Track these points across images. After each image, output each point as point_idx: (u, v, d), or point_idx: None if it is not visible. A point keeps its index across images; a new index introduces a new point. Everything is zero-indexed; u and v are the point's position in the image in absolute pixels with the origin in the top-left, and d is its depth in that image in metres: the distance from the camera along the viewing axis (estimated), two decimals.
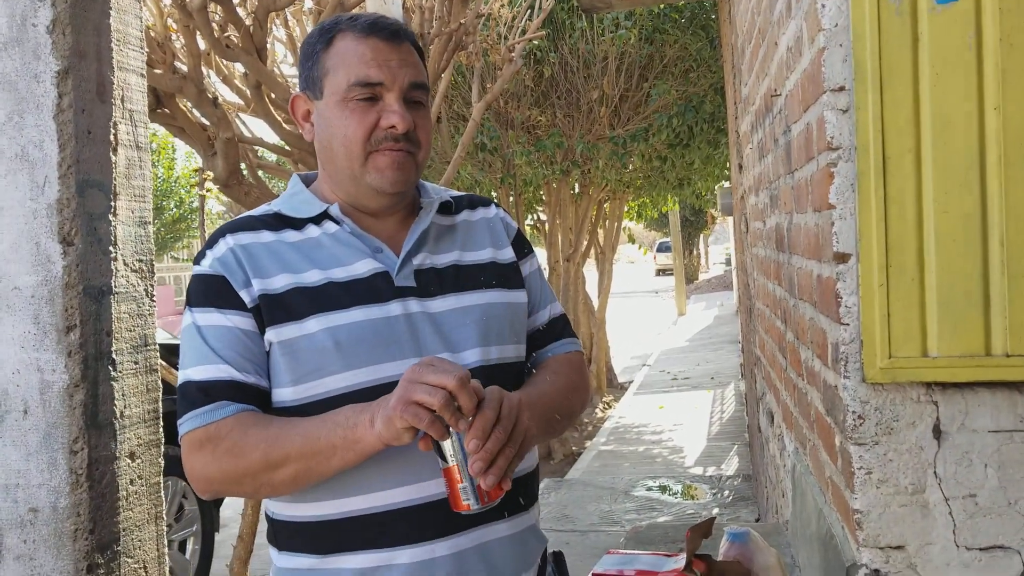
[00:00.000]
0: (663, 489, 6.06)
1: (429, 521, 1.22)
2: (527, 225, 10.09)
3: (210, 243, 1.32)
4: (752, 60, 3.18)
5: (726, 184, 9.53)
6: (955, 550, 1.52)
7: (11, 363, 1.92)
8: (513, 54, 5.42)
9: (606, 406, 10.59)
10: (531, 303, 1.45)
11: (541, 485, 6.04)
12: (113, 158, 2.05)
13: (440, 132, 6.98)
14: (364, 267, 1.29)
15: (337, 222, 1.31)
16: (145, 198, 2.17)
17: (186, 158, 26.91)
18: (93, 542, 1.94)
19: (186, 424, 1.23)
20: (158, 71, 3.49)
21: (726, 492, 5.86)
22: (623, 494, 5.97)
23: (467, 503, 1.08)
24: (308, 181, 1.43)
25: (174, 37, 3.73)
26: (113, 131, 2.06)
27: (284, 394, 1.25)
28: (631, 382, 11.72)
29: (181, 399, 1.25)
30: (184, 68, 3.56)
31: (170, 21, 3.56)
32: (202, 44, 3.58)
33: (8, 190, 1.92)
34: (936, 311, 1.47)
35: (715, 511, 5.41)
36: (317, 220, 1.32)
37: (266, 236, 1.31)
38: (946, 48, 1.43)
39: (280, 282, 1.26)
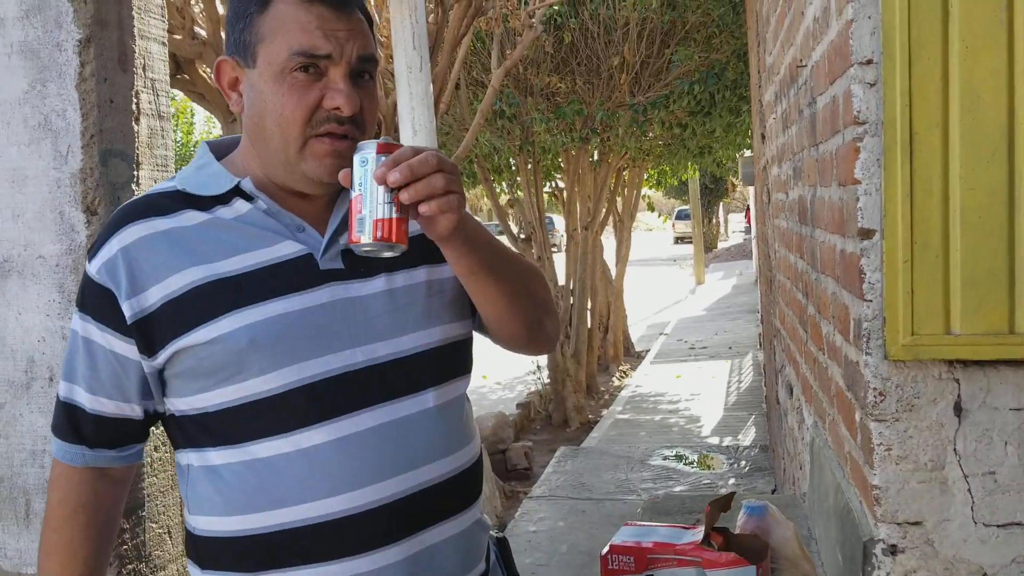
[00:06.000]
0: (679, 458, 6.09)
1: (369, 530, 1.11)
2: (545, 193, 10.03)
3: (102, 237, 1.16)
4: (777, 29, 3.14)
5: (748, 153, 9.45)
6: (973, 526, 1.52)
7: (37, 331, 1.95)
8: (533, 20, 5.37)
9: (623, 375, 10.61)
10: None
11: (557, 453, 6.10)
12: (135, 127, 2.06)
13: (459, 99, 6.94)
14: (284, 250, 1.13)
15: (250, 198, 1.15)
16: (167, 167, 2.18)
17: (205, 122, 26.91)
18: None
19: (52, 443, 1.27)
20: (177, 37, 3.49)
21: (743, 462, 5.88)
22: (639, 463, 6.00)
23: (358, 236, 1.03)
24: (220, 149, 1.24)
25: (193, 2, 3.71)
26: (135, 100, 2.06)
27: (203, 400, 1.13)
28: (648, 351, 11.72)
29: (55, 407, 1.26)
30: (203, 33, 3.55)
31: None
32: (221, 9, 3.57)
33: (32, 159, 1.94)
34: (960, 288, 1.45)
35: (732, 482, 5.42)
36: (226, 198, 1.15)
37: (162, 224, 1.14)
38: (976, 22, 1.41)
39: (180, 281, 1.11)
